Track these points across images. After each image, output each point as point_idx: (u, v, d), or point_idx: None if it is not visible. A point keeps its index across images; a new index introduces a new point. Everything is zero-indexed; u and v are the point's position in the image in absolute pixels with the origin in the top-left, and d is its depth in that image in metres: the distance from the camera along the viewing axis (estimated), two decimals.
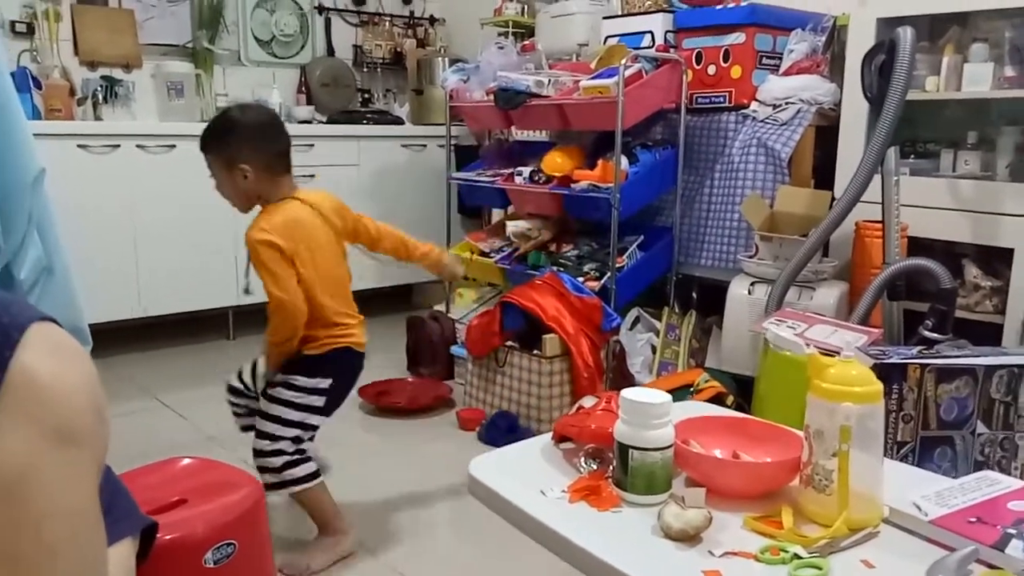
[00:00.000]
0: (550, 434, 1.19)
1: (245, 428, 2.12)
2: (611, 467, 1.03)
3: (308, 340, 1.89)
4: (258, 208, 1.91)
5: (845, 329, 2.14)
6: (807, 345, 1.81)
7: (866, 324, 2.25)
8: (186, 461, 1.54)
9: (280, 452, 1.87)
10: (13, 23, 3.48)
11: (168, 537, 1.26)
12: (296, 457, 1.89)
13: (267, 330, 1.87)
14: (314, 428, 1.94)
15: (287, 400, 1.88)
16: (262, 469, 1.87)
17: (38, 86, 3.39)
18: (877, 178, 2.31)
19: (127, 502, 0.84)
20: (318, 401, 1.90)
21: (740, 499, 1.00)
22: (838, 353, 1.01)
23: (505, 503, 1.01)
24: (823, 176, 2.72)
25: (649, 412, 0.98)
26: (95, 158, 3.25)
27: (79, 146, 3.21)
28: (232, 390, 2.12)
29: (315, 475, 1.91)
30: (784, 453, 1.03)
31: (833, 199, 2.56)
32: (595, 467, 1.07)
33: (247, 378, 2.08)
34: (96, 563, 0.51)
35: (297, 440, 1.90)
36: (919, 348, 1.97)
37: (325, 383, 1.90)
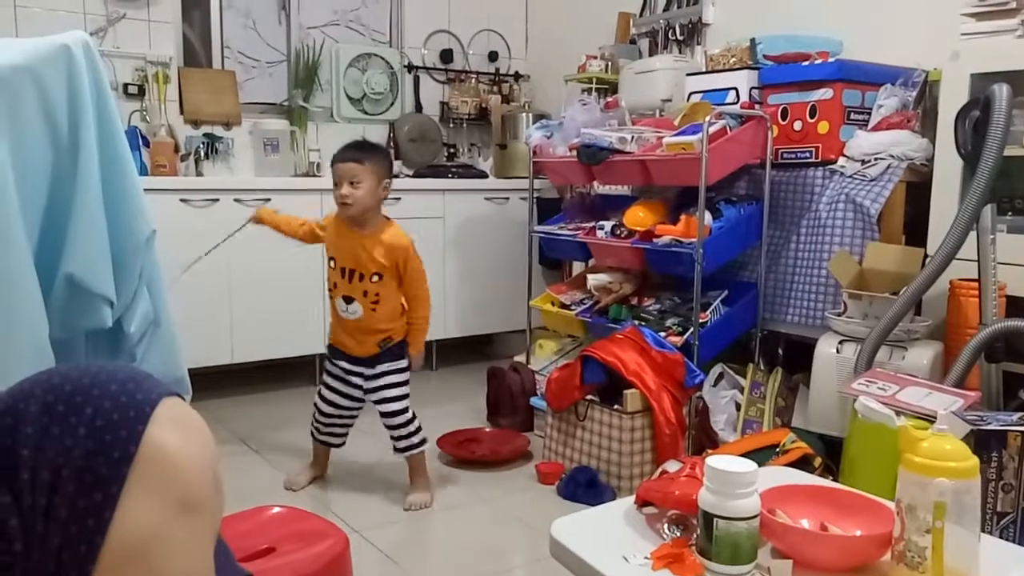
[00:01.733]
0: (632, 498, 1.19)
1: (330, 443, 2.73)
2: (695, 535, 1.02)
3: (397, 331, 2.57)
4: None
5: (940, 392, 2.07)
6: (899, 414, 1.75)
7: (962, 387, 2.17)
8: (275, 510, 1.59)
9: (414, 418, 2.57)
10: (126, 86, 3.72)
11: None
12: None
13: (420, 320, 2.59)
14: None
15: (402, 381, 2.57)
16: (407, 436, 2.56)
17: (146, 144, 3.61)
18: (972, 235, 2.24)
19: (225, 553, 0.88)
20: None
21: (828, 572, 0.97)
22: (934, 418, 0.98)
23: (588, 568, 1.01)
24: (914, 233, 2.65)
25: (735, 481, 0.97)
26: (196, 211, 3.42)
27: (181, 200, 3.39)
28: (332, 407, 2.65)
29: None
30: (875, 526, 1.01)
31: (926, 256, 2.49)
32: (678, 534, 1.06)
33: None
34: None
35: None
36: (1020, 414, 1.89)
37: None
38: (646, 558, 1.02)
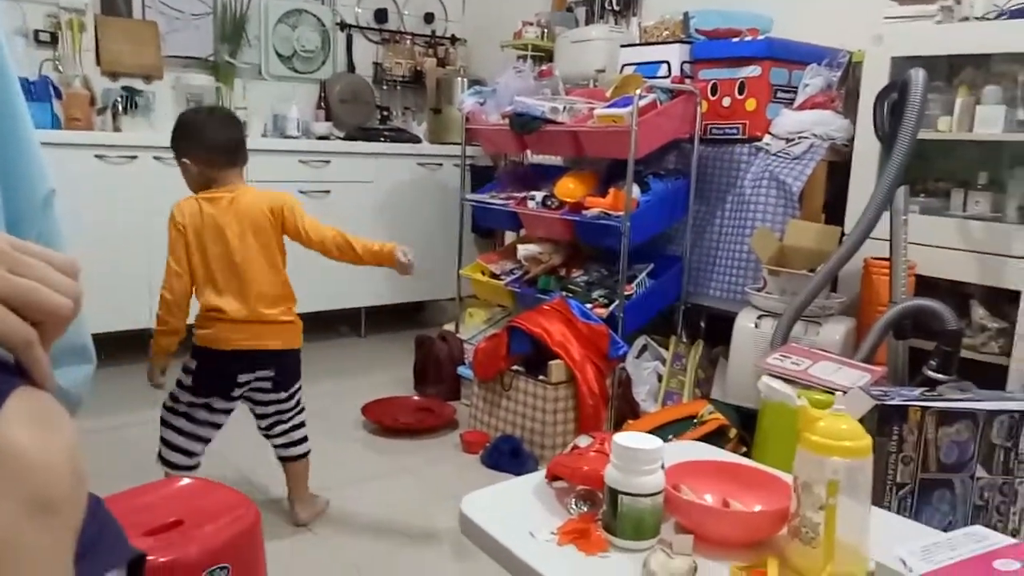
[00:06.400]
0: (543, 472, 1.19)
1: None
2: (601, 510, 1.03)
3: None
4: None
5: (849, 367, 2.14)
6: (809, 389, 1.80)
7: (871, 362, 2.25)
8: (184, 481, 1.55)
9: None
10: (37, 32, 3.53)
11: (162, 560, 1.27)
12: None
13: None
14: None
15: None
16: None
17: (58, 95, 3.44)
18: (886, 215, 2.31)
19: (115, 532, 0.85)
20: None
21: (728, 547, 1.00)
22: (843, 391, 1.01)
23: (494, 543, 1.01)
24: (834, 211, 2.71)
25: (639, 458, 0.98)
26: (112, 168, 3.29)
27: (96, 156, 3.25)
28: None
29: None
30: (774, 502, 1.03)
31: (843, 235, 2.56)
32: (585, 509, 1.07)
33: None
34: None
35: None
36: (922, 389, 1.96)
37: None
38: (552, 533, 1.02)
